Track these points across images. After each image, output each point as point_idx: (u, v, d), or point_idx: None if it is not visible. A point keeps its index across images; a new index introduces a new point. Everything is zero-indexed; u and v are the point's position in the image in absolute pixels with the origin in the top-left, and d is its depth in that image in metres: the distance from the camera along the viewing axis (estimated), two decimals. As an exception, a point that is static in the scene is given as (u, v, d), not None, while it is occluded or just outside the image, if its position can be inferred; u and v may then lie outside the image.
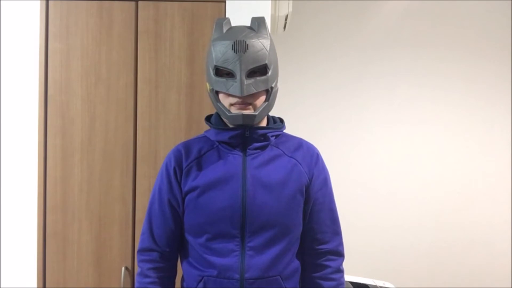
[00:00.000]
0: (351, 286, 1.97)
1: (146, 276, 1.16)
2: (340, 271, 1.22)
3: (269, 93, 1.12)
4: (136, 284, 1.18)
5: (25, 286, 1.74)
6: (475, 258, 2.87)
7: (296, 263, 1.19)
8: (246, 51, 1.06)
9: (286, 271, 1.13)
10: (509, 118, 2.88)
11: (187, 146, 1.19)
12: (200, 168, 1.15)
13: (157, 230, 1.18)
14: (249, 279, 1.09)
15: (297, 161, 1.17)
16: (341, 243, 1.23)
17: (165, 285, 1.19)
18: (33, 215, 1.71)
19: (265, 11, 1.69)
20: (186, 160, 1.16)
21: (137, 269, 1.21)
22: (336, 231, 1.21)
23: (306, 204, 1.18)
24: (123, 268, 1.66)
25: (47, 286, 1.67)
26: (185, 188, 1.15)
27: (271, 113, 1.22)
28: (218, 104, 1.12)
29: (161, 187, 1.18)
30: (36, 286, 1.68)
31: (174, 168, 1.16)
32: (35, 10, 1.71)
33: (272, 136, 1.16)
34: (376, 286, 2.01)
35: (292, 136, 1.24)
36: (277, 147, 1.17)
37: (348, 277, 2.05)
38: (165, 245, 1.18)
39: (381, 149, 2.88)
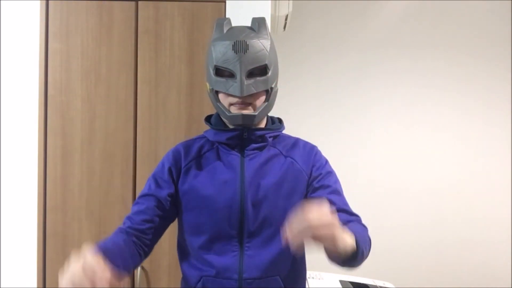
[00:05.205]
0: (351, 286, 1.97)
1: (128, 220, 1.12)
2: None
3: (269, 94, 1.12)
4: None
5: (25, 286, 1.74)
6: (475, 258, 2.87)
7: (298, 263, 1.18)
8: (246, 52, 1.06)
9: (286, 271, 1.13)
10: (509, 118, 2.88)
11: (187, 145, 1.19)
12: (199, 167, 1.14)
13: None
14: (247, 279, 1.08)
15: (293, 159, 1.16)
16: (360, 219, 1.19)
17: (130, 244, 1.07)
18: (33, 215, 1.71)
19: (265, 11, 1.70)
20: (185, 159, 1.16)
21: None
22: (350, 211, 1.16)
23: (315, 191, 1.14)
24: (123, 268, 1.66)
25: (47, 286, 1.67)
26: (184, 186, 1.14)
27: (270, 113, 1.22)
28: (218, 104, 1.12)
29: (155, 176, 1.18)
30: (36, 286, 1.68)
31: (170, 168, 1.15)
32: (35, 10, 1.71)
33: (270, 137, 1.16)
34: (376, 286, 2.01)
35: (290, 136, 1.24)
36: (274, 147, 1.17)
37: (348, 277, 2.05)
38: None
39: (381, 149, 2.88)
